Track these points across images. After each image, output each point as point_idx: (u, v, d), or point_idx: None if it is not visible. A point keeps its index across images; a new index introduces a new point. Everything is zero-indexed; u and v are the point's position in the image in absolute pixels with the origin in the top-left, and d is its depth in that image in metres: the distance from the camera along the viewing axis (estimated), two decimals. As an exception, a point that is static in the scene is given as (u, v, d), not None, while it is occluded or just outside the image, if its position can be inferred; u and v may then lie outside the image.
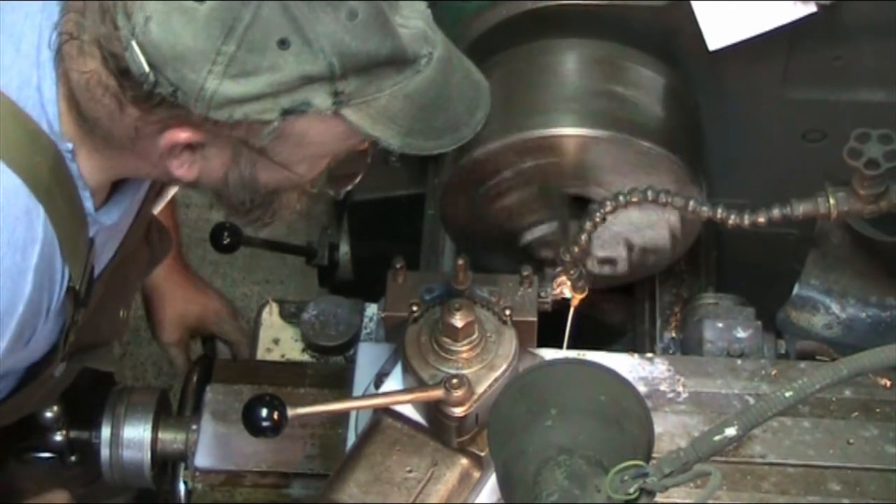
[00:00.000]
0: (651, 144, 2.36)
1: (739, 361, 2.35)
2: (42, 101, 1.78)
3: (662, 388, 2.30)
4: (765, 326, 2.45)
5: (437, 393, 2.01)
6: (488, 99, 1.84)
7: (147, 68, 1.66)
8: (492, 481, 2.06)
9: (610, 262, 2.55)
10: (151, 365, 3.84)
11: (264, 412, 1.90)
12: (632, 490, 1.66)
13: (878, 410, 2.27)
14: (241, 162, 1.78)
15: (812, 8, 2.31)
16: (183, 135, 1.73)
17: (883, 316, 2.50)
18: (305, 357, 2.55)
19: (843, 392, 2.28)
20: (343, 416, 2.27)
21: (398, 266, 2.22)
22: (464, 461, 2.07)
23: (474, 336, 2.06)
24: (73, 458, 2.41)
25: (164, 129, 1.73)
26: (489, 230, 2.53)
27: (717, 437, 1.66)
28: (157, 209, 2.21)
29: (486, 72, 2.39)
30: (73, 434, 2.38)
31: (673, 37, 2.42)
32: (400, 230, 2.91)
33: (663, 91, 2.45)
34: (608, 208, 2.24)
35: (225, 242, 2.78)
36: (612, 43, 2.43)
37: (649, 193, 2.23)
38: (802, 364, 2.35)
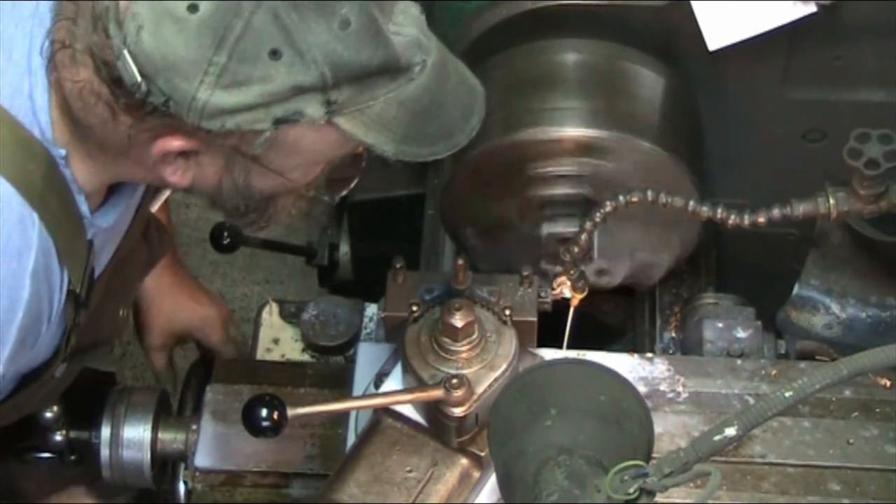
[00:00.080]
0: (651, 144, 2.36)
1: (739, 361, 2.35)
2: (34, 108, 1.78)
3: (662, 388, 2.30)
4: (765, 326, 2.45)
5: (437, 393, 2.01)
6: (483, 104, 1.84)
7: (139, 77, 1.66)
8: (492, 481, 2.06)
9: (607, 273, 2.55)
10: (151, 365, 3.83)
11: (264, 412, 1.90)
12: (632, 490, 1.66)
13: (878, 410, 2.27)
14: (234, 169, 1.78)
15: (812, 8, 2.31)
16: (176, 143, 1.73)
17: (883, 316, 2.50)
18: (305, 357, 2.55)
19: (843, 392, 2.28)
20: (343, 416, 2.27)
21: (398, 266, 2.22)
22: (464, 461, 2.07)
23: (474, 336, 2.06)
24: (73, 458, 2.41)
25: (156, 136, 1.73)
26: (489, 230, 2.53)
27: (717, 437, 1.66)
28: (154, 207, 2.21)
29: (486, 72, 2.41)
30: (73, 434, 2.38)
31: (673, 37, 2.42)
32: (400, 230, 2.91)
33: (663, 91, 2.45)
34: (608, 208, 2.24)
35: (225, 242, 2.78)
36: (612, 43, 2.43)
37: (649, 193, 2.23)
38: (802, 364, 2.35)
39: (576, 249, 2.28)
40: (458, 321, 2.03)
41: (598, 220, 2.26)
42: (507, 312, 2.12)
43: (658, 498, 1.67)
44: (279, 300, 2.64)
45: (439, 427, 2.06)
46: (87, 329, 2.02)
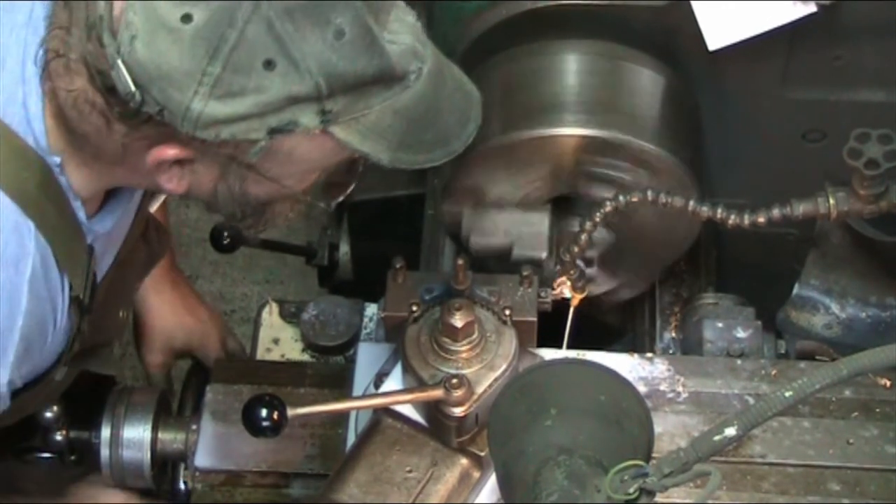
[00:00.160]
0: (651, 144, 2.36)
1: (739, 361, 2.35)
2: (28, 116, 1.78)
3: (662, 388, 2.30)
4: (765, 326, 2.45)
5: (437, 393, 2.01)
6: (480, 110, 1.83)
7: (133, 87, 1.66)
8: (492, 481, 2.06)
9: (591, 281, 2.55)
10: (151, 365, 3.83)
11: (264, 412, 1.90)
12: (632, 490, 1.66)
13: (878, 410, 2.27)
14: (230, 177, 1.78)
15: (812, 8, 2.31)
16: (171, 151, 1.73)
17: (883, 316, 2.50)
18: (305, 357, 2.55)
19: (843, 392, 2.28)
20: (343, 416, 2.27)
21: (398, 266, 2.22)
22: (464, 461, 2.07)
23: (474, 336, 2.06)
24: (73, 458, 2.41)
25: (151, 145, 1.73)
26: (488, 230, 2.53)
27: (717, 437, 1.66)
28: (153, 208, 2.21)
29: (486, 72, 2.41)
30: (73, 434, 2.38)
31: (673, 37, 2.42)
32: (400, 230, 2.91)
33: (663, 91, 2.45)
34: (608, 208, 2.24)
35: (225, 242, 2.77)
36: (612, 43, 2.43)
37: (649, 193, 2.23)
38: (802, 364, 2.35)
39: (576, 249, 2.28)
40: (458, 321, 2.03)
41: (598, 220, 2.25)
42: (507, 312, 2.12)
43: (658, 498, 1.67)
44: (279, 300, 2.64)
45: (439, 427, 2.06)
46: (88, 332, 2.02)
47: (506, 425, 1.80)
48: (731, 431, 1.66)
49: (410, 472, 2.07)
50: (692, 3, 2.34)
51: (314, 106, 1.68)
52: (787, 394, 1.66)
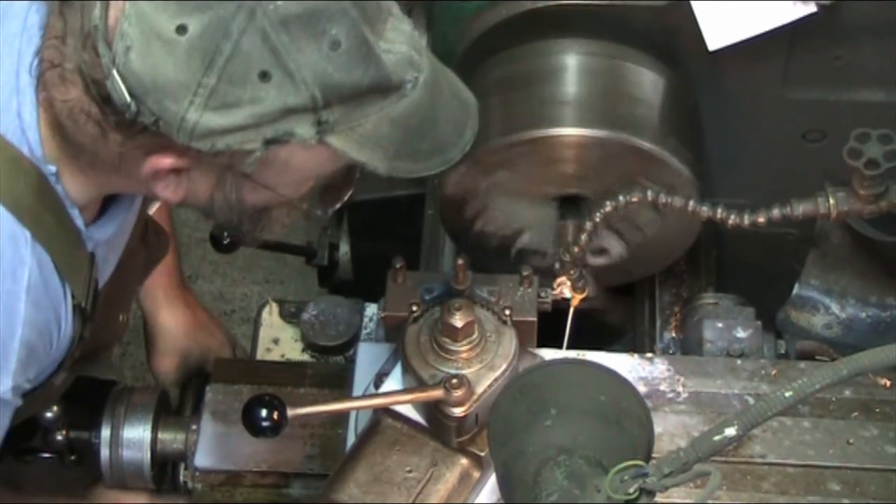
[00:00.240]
0: (651, 144, 2.36)
1: (739, 361, 2.35)
2: (22, 126, 1.78)
3: (662, 388, 2.30)
4: (765, 326, 2.45)
5: (437, 393, 2.01)
6: (477, 118, 1.83)
7: (128, 98, 1.66)
8: (492, 481, 2.06)
9: (604, 251, 2.55)
10: (151, 365, 3.83)
11: (264, 412, 1.90)
12: (632, 490, 1.66)
13: (878, 410, 2.27)
14: (226, 185, 1.78)
15: (812, 8, 2.31)
16: (167, 160, 1.73)
17: (883, 316, 2.50)
18: (305, 357, 2.55)
19: (843, 392, 2.28)
20: (343, 416, 2.27)
21: (398, 266, 2.22)
22: (464, 461, 2.07)
23: (474, 336, 2.06)
24: (73, 458, 2.41)
25: (147, 154, 1.73)
26: (488, 230, 2.53)
27: (717, 437, 1.66)
28: (152, 210, 2.21)
29: (486, 72, 2.41)
30: (73, 434, 2.38)
31: (673, 37, 2.42)
32: (400, 230, 2.91)
33: (663, 91, 2.45)
34: (608, 208, 2.24)
35: (225, 242, 2.77)
36: (612, 43, 2.43)
37: (649, 193, 2.23)
38: (802, 364, 2.35)
39: (576, 249, 2.28)
40: (458, 321, 2.03)
41: (598, 219, 2.26)
42: (507, 312, 2.12)
43: (658, 498, 1.67)
44: (279, 300, 2.64)
45: (439, 427, 2.06)
46: (89, 337, 2.02)
47: (506, 425, 1.80)
48: (731, 431, 1.66)
49: (410, 472, 2.07)
50: (692, 3, 2.34)
51: (310, 116, 1.67)
52: (787, 394, 1.66)
